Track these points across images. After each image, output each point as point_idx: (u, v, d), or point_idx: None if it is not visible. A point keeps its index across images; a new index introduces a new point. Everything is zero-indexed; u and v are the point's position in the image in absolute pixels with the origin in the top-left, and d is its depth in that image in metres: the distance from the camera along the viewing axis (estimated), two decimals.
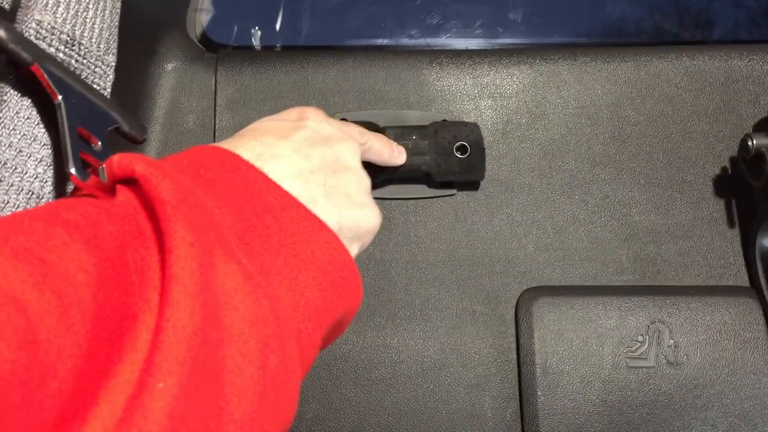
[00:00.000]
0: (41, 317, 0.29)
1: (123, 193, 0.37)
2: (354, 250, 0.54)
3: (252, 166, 0.46)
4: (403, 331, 0.91)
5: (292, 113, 0.58)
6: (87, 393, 0.29)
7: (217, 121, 0.96)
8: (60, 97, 0.50)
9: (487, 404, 0.89)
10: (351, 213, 0.52)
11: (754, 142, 0.86)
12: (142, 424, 0.28)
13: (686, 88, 0.96)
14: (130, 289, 0.33)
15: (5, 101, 0.51)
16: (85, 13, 0.53)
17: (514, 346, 0.90)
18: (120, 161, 0.38)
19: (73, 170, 0.48)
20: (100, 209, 0.35)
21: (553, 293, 0.90)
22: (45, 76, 0.49)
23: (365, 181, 0.57)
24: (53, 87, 0.49)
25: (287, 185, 0.47)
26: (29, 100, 0.52)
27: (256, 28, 1.11)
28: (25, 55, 0.49)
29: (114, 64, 0.58)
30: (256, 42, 1.13)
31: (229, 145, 0.49)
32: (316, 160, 0.51)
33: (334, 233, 0.47)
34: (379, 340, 0.91)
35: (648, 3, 1.07)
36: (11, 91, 0.51)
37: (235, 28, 1.07)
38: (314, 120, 0.56)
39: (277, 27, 1.12)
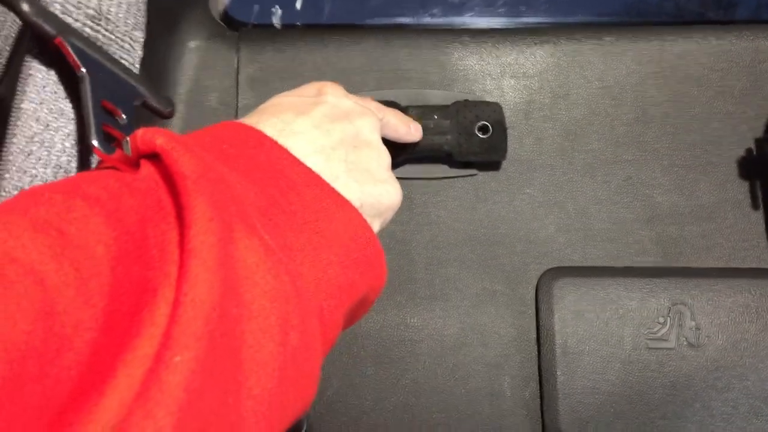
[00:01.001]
0: (59, 289, 0.29)
1: (146, 168, 0.37)
2: (376, 226, 0.54)
3: (275, 143, 0.46)
4: (424, 310, 0.91)
5: (310, 89, 0.58)
6: (104, 366, 0.29)
7: (239, 100, 0.96)
8: (83, 70, 0.50)
9: (507, 384, 0.89)
10: (372, 189, 0.51)
11: None
12: (159, 398, 0.28)
13: (712, 68, 0.95)
14: (150, 263, 0.33)
15: (31, 75, 0.51)
16: None
17: (533, 326, 0.90)
18: (143, 135, 0.38)
19: (95, 142, 0.48)
20: (121, 183, 0.35)
21: (573, 274, 0.89)
22: (69, 48, 0.50)
23: (385, 156, 0.56)
24: (77, 60, 0.50)
25: (310, 162, 0.46)
26: (55, 75, 0.52)
27: (277, 7, 1.11)
28: (49, 29, 0.49)
29: (142, 39, 0.58)
30: (276, 20, 1.12)
31: (251, 121, 0.49)
32: (336, 136, 0.51)
33: (357, 210, 0.47)
34: (399, 319, 0.91)
35: None
36: (37, 65, 0.52)
37: (256, 6, 1.07)
38: (333, 95, 0.56)
39: (298, 5, 1.11)
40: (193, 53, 0.97)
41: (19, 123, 0.49)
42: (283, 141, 0.47)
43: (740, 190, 0.93)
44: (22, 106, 0.49)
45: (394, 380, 0.90)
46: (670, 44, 0.96)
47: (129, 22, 0.55)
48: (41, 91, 0.52)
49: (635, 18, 1.06)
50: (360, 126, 0.54)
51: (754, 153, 0.93)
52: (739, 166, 0.93)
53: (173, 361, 0.29)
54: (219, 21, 1.03)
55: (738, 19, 1.06)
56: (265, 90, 0.97)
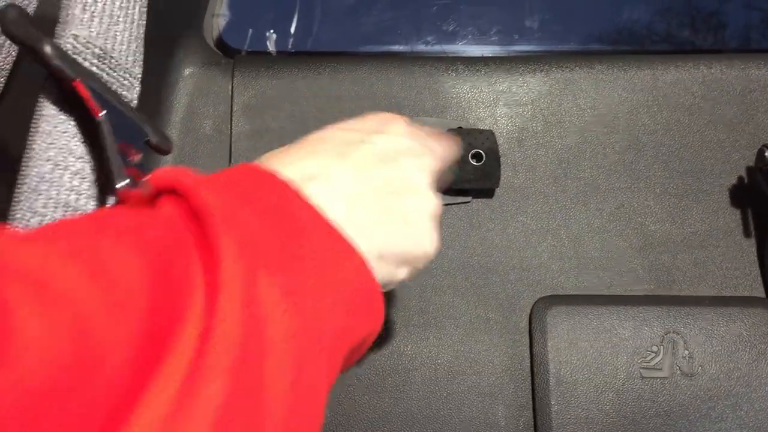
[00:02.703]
0: (95, 311, 0.30)
1: (167, 204, 0.39)
2: (401, 274, 0.53)
3: (287, 187, 0.45)
4: (417, 338, 0.91)
5: (372, 122, 0.56)
6: (136, 385, 0.30)
7: (233, 127, 0.96)
8: (102, 113, 0.50)
9: (500, 413, 0.89)
10: (399, 240, 0.50)
11: None
12: (188, 425, 0.29)
13: (703, 97, 0.95)
14: (177, 292, 0.33)
15: (44, 116, 0.51)
16: (115, 27, 0.53)
17: (527, 354, 0.90)
18: (166, 174, 0.39)
19: (120, 184, 0.49)
20: (144, 216, 0.37)
21: (567, 302, 0.89)
22: (88, 92, 0.50)
23: (430, 203, 0.54)
24: (96, 103, 0.50)
25: (331, 207, 0.45)
26: (66, 115, 0.52)
27: (271, 31, 1.12)
28: (68, 72, 0.49)
29: (140, 75, 0.58)
30: (271, 47, 1.13)
31: (277, 160, 0.49)
32: (371, 183, 0.50)
33: (363, 261, 0.45)
34: (392, 347, 0.91)
35: (664, 10, 1.07)
36: (50, 105, 0.52)
37: (250, 32, 1.07)
38: (390, 133, 0.54)
39: (292, 31, 1.12)
40: (188, 80, 0.98)
41: (30, 164, 0.49)
42: (306, 184, 0.46)
43: (732, 218, 0.94)
44: (34, 146, 0.49)
45: (387, 409, 0.90)
46: (662, 73, 0.96)
47: (129, 59, 0.55)
48: (52, 132, 0.52)
49: (627, 46, 1.07)
50: (407, 170, 0.52)
51: (746, 181, 0.94)
52: (731, 195, 0.94)
53: (204, 390, 0.30)
54: (214, 48, 1.03)
55: (728, 48, 1.07)
56: (260, 117, 0.97)
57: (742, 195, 0.94)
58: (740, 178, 0.94)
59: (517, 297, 0.92)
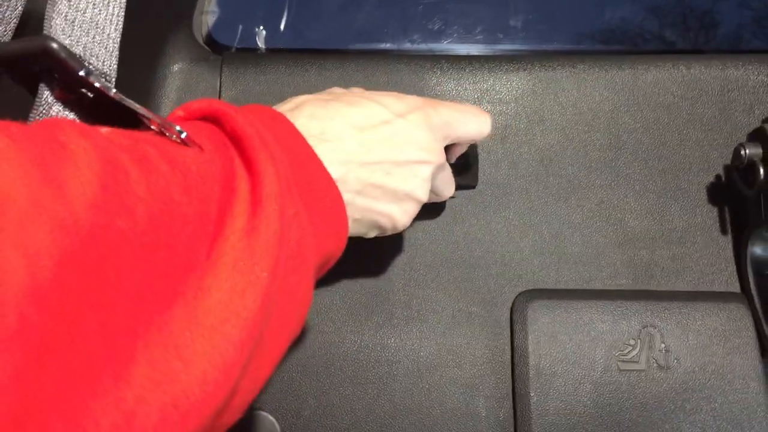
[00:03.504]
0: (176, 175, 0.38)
1: (204, 125, 0.47)
2: (372, 233, 0.66)
3: (292, 126, 0.53)
4: (401, 331, 0.92)
5: (400, 103, 0.65)
6: (220, 220, 0.39)
7: None
8: (114, 90, 0.50)
9: (481, 404, 0.91)
10: (382, 207, 0.60)
11: (747, 151, 0.87)
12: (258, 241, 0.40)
13: (682, 97, 0.97)
14: (229, 176, 0.42)
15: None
16: (94, 32, 0.54)
17: (508, 347, 0.91)
18: (201, 102, 0.48)
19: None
20: (189, 125, 0.45)
21: (547, 296, 0.91)
22: (93, 81, 0.50)
23: (426, 155, 0.62)
24: (105, 85, 0.50)
25: (330, 168, 0.53)
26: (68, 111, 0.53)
27: (260, 27, 1.13)
28: (74, 65, 0.49)
29: (114, 78, 0.59)
30: (260, 43, 1.14)
31: (293, 115, 0.57)
32: (374, 156, 0.57)
33: (339, 194, 0.52)
34: (376, 340, 0.92)
35: (649, 10, 1.08)
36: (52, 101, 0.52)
37: (240, 29, 1.08)
38: (411, 121, 0.63)
39: (281, 28, 1.13)
40: (176, 76, 0.98)
41: None
42: (314, 143, 0.53)
43: (709, 215, 0.95)
44: None
45: (371, 401, 0.91)
46: (642, 72, 0.98)
47: (107, 63, 0.56)
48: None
49: (610, 46, 1.09)
50: (410, 153, 0.61)
51: (723, 179, 0.96)
52: (709, 192, 0.96)
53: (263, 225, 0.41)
54: (202, 44, 1.04)
55: (707, 49, 1.09)
56: None
57: (719, 193, 0.96)
58: (717, 176, 0.96)
59: (498, 291, 0.94)
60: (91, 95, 0.50)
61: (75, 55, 0.50)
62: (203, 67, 0.99)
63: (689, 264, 0.94)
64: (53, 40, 0.48)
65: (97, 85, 0.48)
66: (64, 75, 0.49)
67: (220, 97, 0.98)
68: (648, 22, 1.08)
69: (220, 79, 0.99)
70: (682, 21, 1.09)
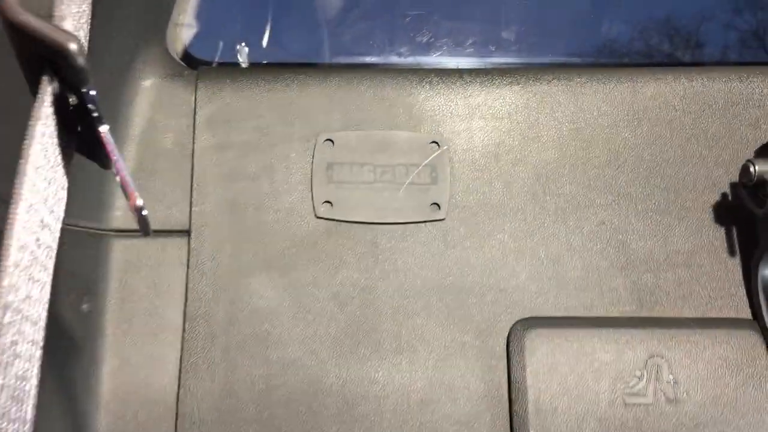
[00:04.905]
0: None
1: None
2: None
3: None
4: (389, 363, 0.86)
5: None
6: None
7: (196, 141, 0.92)
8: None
9: None
10: None
11: (757, 168, 0.82)
12: None
13: (684, 111, 0.92)
14: None
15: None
16: None
17: (505, 380, 0.85)
18: None
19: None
20: None
21: (546, 324, 0.86)
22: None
23: None
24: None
25: None
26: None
27: (242, 44, 1.07)
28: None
29: None
30: (242, 58, 1.08)
31: None
32: None
33: None
34: (363, 374, 0.86)
35: (647, 21, 1.04)
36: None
37: (219, 44, 1.03)
38: None
39: (264, 43, 1.08)
40: (148, 92, 0.93)
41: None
42: None
43: (716, 236, 0.90)
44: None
45: None
46: (642, 86, 0.93)
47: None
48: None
49: (606, 59, 1.04)
50: None
51: (729, 198, 0.91)
52: (714, 212, 0.91)
53: None
54: (177, 59, 0.99)
55: (708, 61, 1.05)
56: (224, 130, 0.92)
57: (725, 212, 0.91)
58: (723, 195, 0.91)
59: (493, 319, 0.88)
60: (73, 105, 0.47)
61: (88, 69, 0.47)
62: (177, 82, 0.94)
63: (696, 288, 0.89)
64: (80, 44, 0.44)
65: (91, 108, 0.45)
66: (69, 78, 0.45)
67: (195, 114, 0.92)
68: (646, 33, 1.03)
69: (195, 95, 0.93)
70: (669, 40, 1.05)
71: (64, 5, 0.47)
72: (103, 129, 0.46)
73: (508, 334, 0.87)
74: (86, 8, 0.49)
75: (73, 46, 0.43)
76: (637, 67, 0.97)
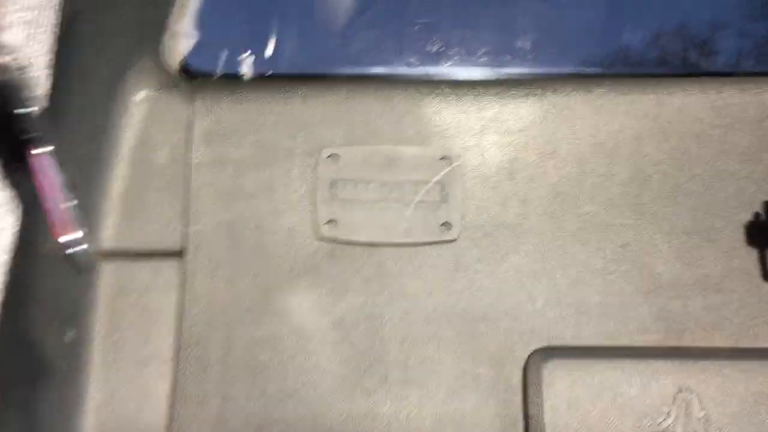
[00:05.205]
0: None
1: None
2: None
3: None
4: (396, 397, 0.81)
5: None
6: None
7: (192, 156, 0.88)
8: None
9: None
10: None
11: None
12: None
13: (713, 124, 0.87)
14: None
15: None
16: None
17: (520, 416, 0.80)
18: None
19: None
20: None
21: (565, 354, 0.80)
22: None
23: None
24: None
25: None
26: None
27: (247, 53, 1.02)
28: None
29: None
30: (245, 69, 1.03)
31: None
32: None
33: None
34: (368, 408, 0.81)
35: (672, 29, 0.98)
36: None
37: (219, 54, 0.98)
38: None
39: (267, 54, 1.02)
40: (141, 105, 0.89)
41: None
42: None
43: (748, 258, 0.85)
44: None
45: None
46: (667, 97, 0.88)
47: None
48: None
49: (628, 69, 0.98)
50: None
51: (763, 217, 0.86)
52: (747, 232, 0.86)
53: None
54: (173, 70, 0.94)
55: (740, 71, 0.99)
56: (222, 145, 0.88)
57: (759, 232, 0.85)
58: (756, 214, 0.86)
59: (508, 349, 0.83)
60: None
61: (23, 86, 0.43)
62: (172, 95, 0.90)
63: (728, 315, 0.84)
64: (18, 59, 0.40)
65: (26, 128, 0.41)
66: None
67: (191, 128, 0.88)
68: (671, 41, 0.97)
69: (192, 108, 0.89)
70: (707, 41, 0.98)
71: (9, 12, 0.42)
72: (40, 150, 0.41)
73: (524, 366, 0.82)
74: (47, 14, 0.43)
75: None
76: (662, 77, 0.92)
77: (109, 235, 0.86)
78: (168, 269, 0.86)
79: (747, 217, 0.86)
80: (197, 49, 0.96)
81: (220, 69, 1.00)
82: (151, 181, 0.87)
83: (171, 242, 0.86)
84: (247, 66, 1.01)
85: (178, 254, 0.86)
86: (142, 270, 0.85)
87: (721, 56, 0.97)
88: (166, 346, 0.84)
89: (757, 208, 0.86)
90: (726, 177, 0.87)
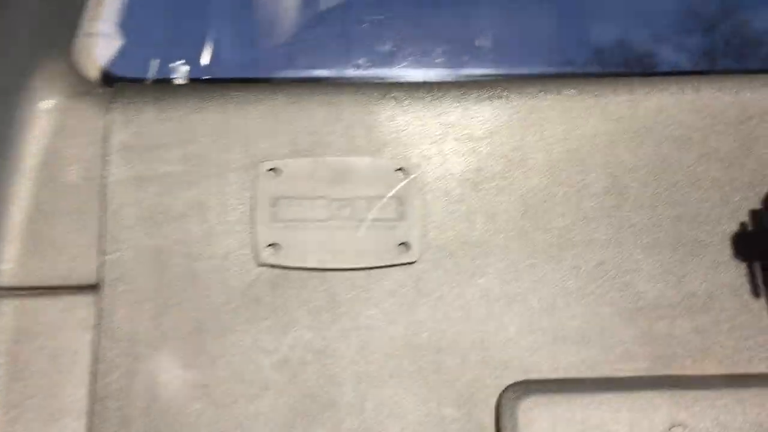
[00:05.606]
0: None
1: None
2: None
3: None
4: None
5: None
6: None
7: (108, 173, 0.79)
8: None
9: None
10: None
11: None
12: None
13: (692, 127, 0.83)
14: None
15: None
16: None
17: None
18: None
19: None
20: None
21: (543, 389, 0.74)
22: None
23: None
24: None
25: None
26: None
27: (175, 55, 0.93)
28: None
29: None
30: (172, 74, 0.94)
31: None
32: None
33: None
34: None
35: (646, 24, 0.93)
36: None
37: (142, 57, 0.90)
38: None
39: (197, 56, 0.94)
40: (48, 115, 0.80)
41: None
42: None
43: (737, 273, 0.80)
44: None
45: None
46: (642, 98, 0.83)
47: None
48: None
49: (599, 68, 0.93)
50: None
51: (750, 228, 0.81)
52: (734, 245, 0.80)
53: None
54: (87, 75, 0.85)
55: (717, 69, 0.94)
56: (144, 160, 0.80)
57: (746, 244, 0.80)
58: (743, 224, 0.81)
59: (479, 385, 0.76)
60: None
61: None
62: (86, 103, 0.82)
63: (718, 338, 0.78)
64: None
65: None
66: None
67: (107, 141, 0.79)
68: (646, 38, 0.91)
69: (108, 117, 0.81)
70: (686, 36, 0.93)
71: None
72: None
73: (497, 404, 0.75)
74: None
75: None
76: (636, 77, 0.87)
77: (8, 268, 0.76)
78: (81, 306, 0.77)
79: (733, 227, 0.81)
80: (114, 49, 0.88)
81: (142, 73, 0.92)
82: (60, 203, 0.78)
83: (84, 274, 0.77)
84: (174, 69, 0.92)
85: (94, 288, 0.77)
86: (50, 308, 0.76)
87: (695, 53, 0.92)
88: (80, 398, 0.74)
89: (744, 217, 0.81)
90: (708, 185, 0.82)
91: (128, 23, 0.90)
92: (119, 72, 0.89)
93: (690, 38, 0.93)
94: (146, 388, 0.74)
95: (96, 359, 0.74)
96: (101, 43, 0.89)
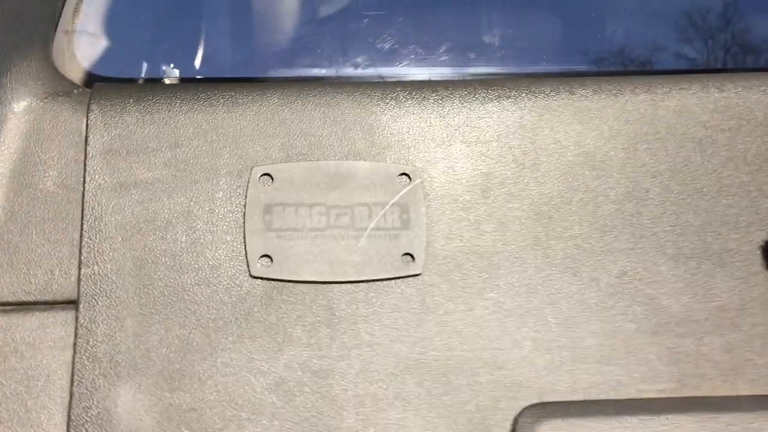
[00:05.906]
0: None
1: None
2: None
3: None
4: None
5: None
6: None
7: (87, 179, 0.76)
8: None
9: None
10: None
11: None
12: None
13: (717, 128, 0.80)
14: None
15: None
16: None
17: None
18: None
19: None
20: None
21: (562, 413, 0.71)
22: None
23: None
24: None
25: None
26: None
27: (161, 54, 0.90)
28: None
29: None
30: (158, 73, 0.92)
31: None
32: None
33: None
34: None
35: (664, 21, 0.89)
36: None
37: (125, 55, 0.86)
38: None
39: (185, 54, 0.89)
40: (22, 117, 0.78)
41: None
42: None
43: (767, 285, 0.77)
44: None
45: None
46: (663, 98, 0.80)
47: None
48: None
49: (616, 66, 0.89)
50: None
51: None
52: (765, 254, 0.77)
53: None
54: (66, 74, 0.82)
55: (744, 66, 0.90)
56: (126, 165, 0.77)
57: None
58: None
59: (491, 407, 0.72)
60: None
61: None
62: (64, 104, 0.79)
63: (749, 356, 0.74)
64: None
65: None
66: None
67: (86, 144, 0.76)
68: (664, 35, 0.87)
69: (87, 119, 0.78)
70: (707, 33, 0.89)
71: None
72: None
73: (512, 429, 0.71)
74: None
75: None
76: (656, 75, 0.85)
77: None
78: (58, 323, 0.73)
79: (763, 236, 0.78)
80: (97, 48, 0.84)
81: (125, 72, 0.90)
82: (36, 212, 0.75)
83: (62, 289, 0.74)
84: (160, 69, 0.89)
85: (72, 304, 0.73)
86: (25, 325, 0.73)
87: (721, 50, 0.88)
88: (57, 423, 0.70)
89: None
90: (735, 190, 0.79)
91: (111, 21, 0.86)
92: (101, 72, 0.86)
93: (712, 34, 0.89)
94: (128, 413, 0.70)
95: (73, 381, 0.70)
96: (83, 42, 0.86)
